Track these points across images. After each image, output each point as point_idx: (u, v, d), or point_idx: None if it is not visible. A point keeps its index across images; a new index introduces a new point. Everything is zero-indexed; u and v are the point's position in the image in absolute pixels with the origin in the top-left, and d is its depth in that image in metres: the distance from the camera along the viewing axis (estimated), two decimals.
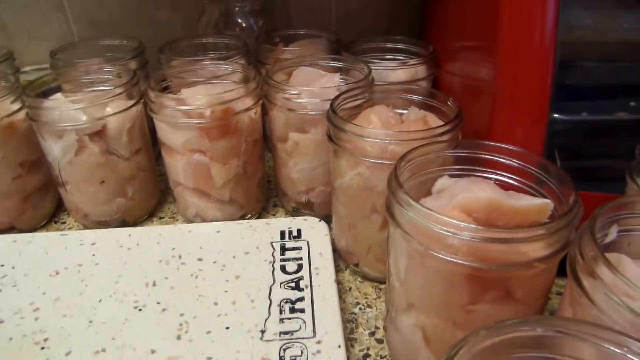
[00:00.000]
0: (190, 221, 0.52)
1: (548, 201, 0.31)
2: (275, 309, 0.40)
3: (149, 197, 0.55)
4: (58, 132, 0.46)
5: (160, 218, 0.55)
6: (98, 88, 0.52)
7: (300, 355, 0.36)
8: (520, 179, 0.34)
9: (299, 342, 0.37)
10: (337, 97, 0.43)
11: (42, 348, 0.37)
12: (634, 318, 0.23)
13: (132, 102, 0.49)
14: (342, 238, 0.46)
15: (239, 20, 0.65)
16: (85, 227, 0.53)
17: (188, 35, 0.64)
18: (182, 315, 0.40)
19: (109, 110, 0.48)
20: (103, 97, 0.47)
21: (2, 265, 0.45)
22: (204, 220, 0.51)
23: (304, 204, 0.53)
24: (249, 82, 0.47)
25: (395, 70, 0.54)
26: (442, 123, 0.40)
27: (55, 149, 0.47)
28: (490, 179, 0.34)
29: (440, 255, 0.28)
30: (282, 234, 0.48)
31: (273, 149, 0.52)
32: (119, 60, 0.57)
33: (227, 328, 0.39)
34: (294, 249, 0.46)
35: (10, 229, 0.52)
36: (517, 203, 0.31)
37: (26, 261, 0.46)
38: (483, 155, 0.35)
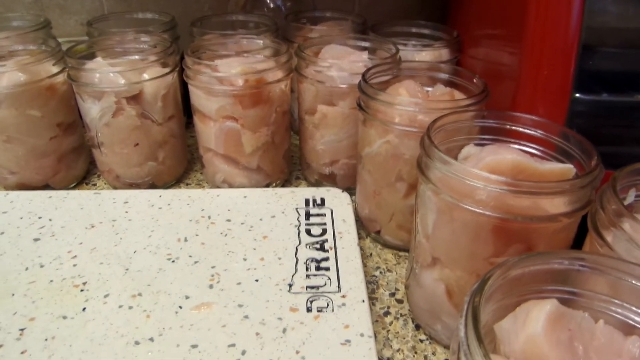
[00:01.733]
0: (218, 187, 0.54)
1: (570, 166, 0.33)
2: (301, 267, 0.42)
3: (178, 163, 0.57)
4: (97, 93, 0.49)
5: (187, 184, 0.58)
6: (134, 56, 0.54)
7: (327, 307, 0.38)
8: (544, 149, 0.36)
9: (324, 296, 0.39)
10: (368, 69, 0.45)
11: (82, 290, 0.40)
12: None
13: (167, 70, 0.51)
14: (365, 206, 0.48)
15: (268, 1, 0.67)
16: (116, 189, 0.55)
17: (215, 13, 0.66)
18: (213, 267, 0.42)
19: (145, 76, 0.50)
20: (140, 62, 0.49)
21: (39, 218, 0.47)
22: (231, 186, 0.54)
23: (327, 175, 0.55)
24: (281, 55, 0.49)
25: (420, 52, 0.56)
26: (463, 97, 0.42)
27: (93, 111, 0.49)
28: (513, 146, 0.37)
29: (469, 207, 0.30)
30: (307, 201, 0.50)
31: (300, 122, 0.54)
32: (153, 32, 0.59)
33: (257, 280, 0.41)
34: (318, 215, 0.48)
35: (44, 187, 0.54)
36: (541, 166, 0.33)
37: (62, 215, 0.48)
38: (507, 126, 0.37)
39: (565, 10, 0.40)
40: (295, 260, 0.43)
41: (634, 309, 0.23)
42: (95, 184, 0.57)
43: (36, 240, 0.45)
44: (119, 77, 0.48)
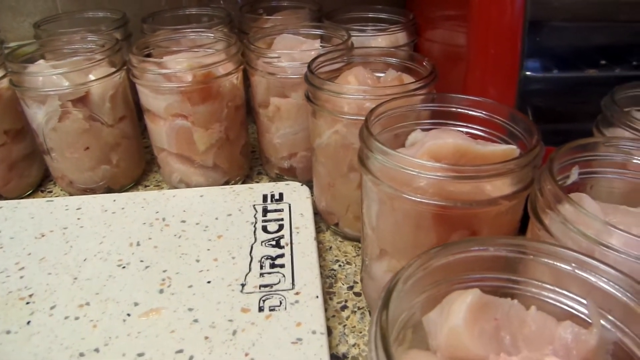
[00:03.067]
0: (175, 187, 0.53)
1: (513, 146, 0.32)
2: (255, 265, 0.41)
3: (134, 165, 0.55)
4: (41, 97, 0.47)
5: (146, 186, 0.56)
6: (81, 57, 0.52)
7: (279, 305, 0.37)
8: (490, 130, 0.35)
9: (277, 294, 0.38)
10: (315, 58, 0.44)
11: (27, 303, 0.38)
12: (588, 243, 0.24)
13: (114, 69, 0.49)
14: (322, 198, 0.47)
15: None
16: (72, 195, 0.54)
17: (172, 7, 0.64)
18: (164, 271, 0.41)
19: (91, 76, 0.48)
20: (84, 62, 0.48)
21: None
22: (188, 185, 0.52)
23: (287, 169, 0.54)
24: (230, 47, 0.48)
25: (376, 38, 0.55)
26: (412, 82, 0.41)
27: (39, 115, 0.48)
28: (461, 131, 0.35)
29: (408, 196, 0.29)
30: (265, 197, 0.49)
31: (256, 116, 0.53)
32: (102, 31, 0.57)
33: (209, 282, 0.40)
34: (275, 210, 0.47)
35: None
36: (483, 148, 0.32)
37: (12, 225, 0.46)
38: (453, 109, 0.36)
39: None
40: (249, 259, 0.42)
41: (567, 294, 0.22)
42: (51, 191, 0.56)
43: None
44: (63, 79, 0.47)
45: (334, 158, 0.42)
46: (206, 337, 0.35)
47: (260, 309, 0.37)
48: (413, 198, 0.29)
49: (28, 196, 0.55)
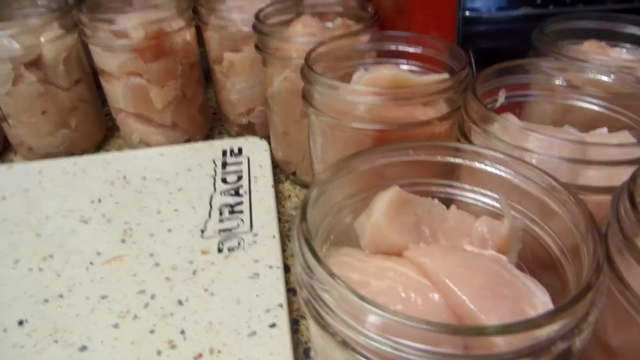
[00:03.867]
0: (136, 148, 0.54)
1: (446, 75, 0.33)
2: (215, 212, 0.43)
3: (94, 129, 0.56)
4: None
5: (107, 150, 0.57)
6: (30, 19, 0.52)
7: (238, 246, 0.39)
8: (428, 66, 0.36)
9: (236, 237, 0.40)
10: (262, 8, 0.44)
11: None
12: (506, 147, 0.26)
13: (64, 30, 0.49)
14: (278, 148, 0.48)
15: None
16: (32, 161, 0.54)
17: None
18: (126, 223, 0.42)
19: (42, 39, 0.48)
20: (35, 25, 0.48)
21: None
22: (148, 146, 0.53)
23: (246, 126, 0.55)
24: (178, 3, 0.48)
25: None
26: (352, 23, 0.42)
27: None
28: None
29: (347, 124, 0.31)
30: (224, 152, 0.50)
31: (212, 74, 0.54)
32: None
33: (169, 230, 0.41)
34: (234, 163, 0.48)
35: None
36: (417, 78, 0.33)
37: None
38: (393, 47, 0.37)
39: None
40: (209, 207, 0.43)
41: (483, 192, 0.24)
42: (12, 160, 0.56)
43: None
44: (13, 42, 0.47)
45: (286, 105, 0.44)
46: (167, 278, 0.36)
47: (220, 250, 0.39)
48: (353, 125, 0.31)
49: None
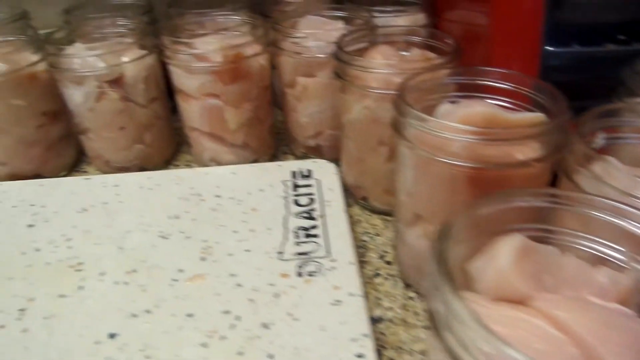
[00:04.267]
0: (206, 165, 0.55)
1: (541, 114, 0.34)
2: (291, 235, 0.43)
3: (166, 145, 0.57)
4: (78, 79, 0.49)
5: (176, 166, 0.58)
6: (113, 40, 0.54)
7: (317, 271, 0.40)
8: (516, 101, 0.37)
9: (314, 261, 0.41)
10: (343, 35, 0.46)
11: (78, 270, 0.41)
12: (618, 195, 0.26)
13: (146, 51, 0.51)
14: (350, 173, 0.49)
15: None
16: (106, 174, 0.56)
17: None
18: (205, 241, 0.43)
19: (124, 58, 0.50)
20: (118, 45, 0.50)
21: (32, 205, 0.48)
22: (219, 164, 0.54)
23: (313, 148, 0.56)
24: (256, 29, 0.50)
25: (395, 19, 0.57)
26: (435, 57, 0.43)
27: (76, 96, 0.50)
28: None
29: (443, 159, 0.31)
30: (293, 174, 0.51)
31: (282, 96, 0.55)
32: (128, 17, 0.59)
33: (247, 250, 0.42)
34: (305, 186, 0.49)
35: (35, 177, 0.55)
36: (512, 116, 0.34)
37: (55, 201, 0.49)
38: (479, 81, 0.38)
39: None
40: (284, 229, 0.44)
41: (601, 241, 0.24)
42: (85, 171, 0.58)
43: (30, 226, 0.46)
44: (99, 61, 0.49)
45: (363, 133, 0.44)
46: (250, 300, 0.37)
47: (299, 274, 0.39)
48: (448, 161, 0.31)
49: (64, 176, 0.57)
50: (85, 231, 0.45)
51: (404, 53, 0.47)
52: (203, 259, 0.41)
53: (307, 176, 0.51)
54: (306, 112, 0.52)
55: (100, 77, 0.49)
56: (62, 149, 0.56)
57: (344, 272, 0.39)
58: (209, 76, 0.48)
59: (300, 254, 0.41)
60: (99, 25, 0.55)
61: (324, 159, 0.54)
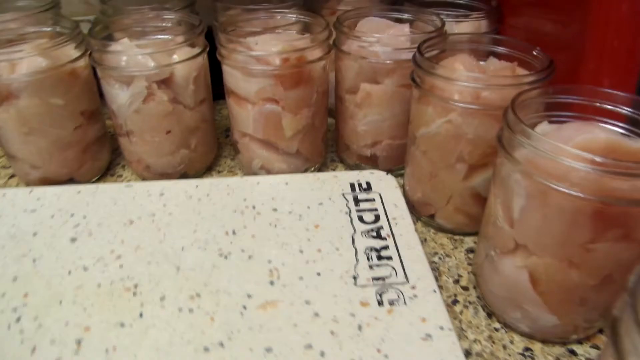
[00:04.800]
0: (255, 173, 0.52)
1: None
2: (362, 256, 0.40)
3: (209, 149, 0.54)
4: (126, 78, 0.45)
5: (219, 172, 0.55)
6: (157, 36, 0.50)
7: (398, 299, 0.36)
8: (628, 126, 0.34)
9: (393, 287, 0.37)
10: (424, 41, 0.42)
11: (134, 294, 0.37)
12: None
13: (197, 50, 0.47)
14: (418, 189, 0.46)
15: None
16: (145, 180, 0.52)
17: None
18: (269, 262, 0.40)
19: (175, 57, 0.46)
20: (170, 43, 0.46)
21: (72, 215, 0.44)
22: (269, 172, 0.51)
23: (368, 158, 0.52)
24: (321, 31, 0.46)
25: (459, 24, 0.54)
26: (531, 72, 0.40)
27: (121, 97, 0.46)
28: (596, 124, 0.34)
29: (568, 191, 0.28)
30: (352, 186, 0.48)
31: (339, 102, 0.51)
32: (169, 10, 0.55)
33: (319, 274, 0.39)
34: (367, 200, 0.46)
35: (69, 181, 0.51)
36: (635, 144, 0.31)
37: (96, 211, 0.45)
38: (588, 102, 0.35)
39: None
40: (354, 250, 0.41)
41: None
42: (120, 175, 0.54)
43: (73, 240, 0.42)
44: (149, 60, 0.45)
45: (441, 147, 0.41)
46: (332, 332, 0.34)
47: (379, 303, 0.36)
48: (574, 193, 0.28)
49: (98, 180, 0.53)
50: (135, 247, 0.41)
51: (481, 62, 0.44)
52: (272, 282, 0.38)
53: (367, 189, 0.47)
54: (366, 120, 0.49)
55: (150, 77, 0.45)
56: (98, 151, 0.52)
57: (427, 302, 0.36)
58: (270, 80, 0.45)
59: (376, 279, 0.38)
60: (141, 18, 0.51)
61: (379, 169, 0.51)
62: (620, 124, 0.34)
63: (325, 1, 0.58)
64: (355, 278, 0.38)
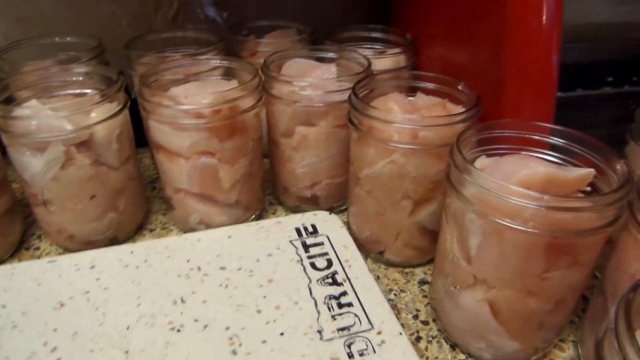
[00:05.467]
0: (193, 229, 0.49)
1: (592, 170, 0.34)
2: (322, 307, 0.39)
3: (138, 208, 0.50)
4: (39, 144, 0.40)
5: (151, 230, 0.51)
6: (66, 92, 0.46)
7: (367, 349, 0.36)
8: (555, 153, 0.37)
9: (360, 337, 0.37)
10: (357, 82, 0.43)
11: None
12: None
13: (118, 106, 0.44)
14: (366, 227, 0.46)
15: (200, 12, 0.61)
16: (68, 251, 0.47)
17: (153, 30, 0.59)
18: (227, 329, 0.37)
19: (94, 116, 0.42)
20: (87, 102, 0.42)
21: None
22: (208, 226, 0.48)
23: (308, 198, 0.52)
24: (252, 79, 0.45)
25: (379, 59, 0.55)
26: (462, 108, 0.42)
27: (35, 165, 0.41)
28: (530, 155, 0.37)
29: (522, 228, 0.30)
30: (298, 231, 0.47)
31: (274, 146, 0.50)
32: (76, 61, 0.50)
33: (282, 334, 0.37)
34: (315, 245, 0.45)
35: None
36: (568, 174, 0.33)
37: (18, 297, 0.39)
38: (523, 135, 0.37)
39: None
40: (313, 301, 0.40)
41: None
42: (38, 248, 0.48)
43: None
44: (64, 122, 0.40)
45: (386, 187, 0.42)
46: None
47: (350, 356, 0.35)
48: (528, 230, 0.30)
49: (11, 256, 0.47)
50: (72, 335, 0.36)
51: (410, 98, 0.46)
52: (234, 352, 0.36)
53: (313, 232, 0.47)
54: (304, 163, 0.49)
55: (67, 140, 0.41)
56: (8, 225, 0.46)
57: (395, 346, 0.36)
58: (203, 133, 0.42)
59: (341, 329, 0.37)
60: (46, 74, 0.46)
61: (320, 208, 0.51)
62: (548, 152, 0.37)
63: (244, 42, 0.57)
64: (320, 332, 0.37)
